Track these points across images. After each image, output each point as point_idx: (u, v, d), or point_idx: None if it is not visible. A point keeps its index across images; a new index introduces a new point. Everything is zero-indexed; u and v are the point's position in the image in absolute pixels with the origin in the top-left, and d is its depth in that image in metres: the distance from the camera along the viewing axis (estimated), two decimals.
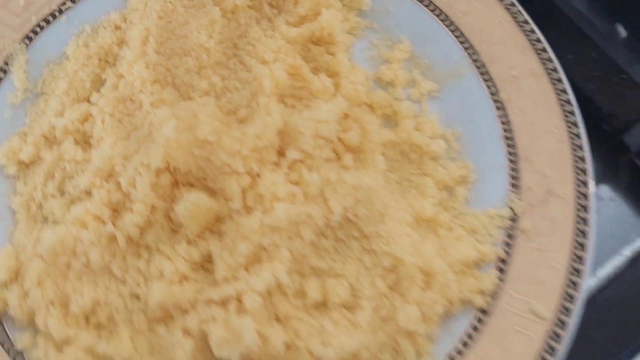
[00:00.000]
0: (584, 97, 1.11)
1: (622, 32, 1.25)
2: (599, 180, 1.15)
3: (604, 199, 1.13)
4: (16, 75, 0.99)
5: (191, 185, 0.88)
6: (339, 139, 0.90)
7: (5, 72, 0.99)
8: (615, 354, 0.97)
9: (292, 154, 0.86)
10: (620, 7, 1.26)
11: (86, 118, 0.96)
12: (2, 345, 0.83)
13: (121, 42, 1.02)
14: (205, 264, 0.88)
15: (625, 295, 1.01)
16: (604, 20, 1.26)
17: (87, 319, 0.84)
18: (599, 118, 1.12)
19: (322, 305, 0.85)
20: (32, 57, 1.01)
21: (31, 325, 0.84)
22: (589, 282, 1.05)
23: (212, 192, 0.87)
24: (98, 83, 1.00)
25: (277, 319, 0.83)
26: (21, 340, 0.83)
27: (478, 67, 0.96)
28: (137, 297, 0.85)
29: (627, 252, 1.08)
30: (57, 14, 1.03)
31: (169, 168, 0.86)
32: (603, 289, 1.02)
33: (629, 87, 1.14)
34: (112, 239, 0.85)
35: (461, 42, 0.98)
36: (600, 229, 1.10)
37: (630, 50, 1.24)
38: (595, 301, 1.00)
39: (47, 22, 1.02)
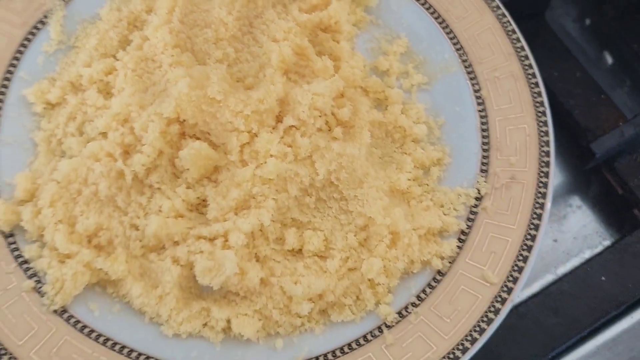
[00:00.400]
0: (564, 112, 1.23)
1: (609, 59, 1.36)
2: (570, 190, 1.25)
3: (573, 207, 1.23)
4: (53, 27, 1.10)
5: (196, 137, 0.98)
6: (332, 114, 1.00)
7: (43, 23, 1.11)
8: (565, 339, 1.06)
9: (289, 120, 0.97)
10: (610, 37, 1.37)
11: (110, 71, 1.06)
12: (12, 253, 0.93)
13: (149, 10, 1.13)
14: (200, 208, 0.98)
15: (578, 290, 1.10)
16: (593, 46, 1.37)
17: (89, 240, 0.94)
18: (574, 132, 1.23)
19: (298, 252, 0.95)
20: (69, 14, 1.12)
21: (39, 239, 0.95)
22: (548, 277, 1.16)
23: (214, 145, 0.98)
24: (125, 43, 1.10)
25: (257, 259, 0.94)
26: (29, 250, 0.94)
27: (465, 67, 1.07)
28: (136, 227, 0.96)
29: (586, 255, 1.18)
30: None
31: (178, 119, 0.96)
32: (557, 282, 1.11)
33: (606, 106, 1.25)
34: (120, 174, 0.96)
35: (453, 43, 1.09)
36: (567, 233, 1.20)
37: (614, 76, 1.35)
38: (549, 292, 1.10)
39: None
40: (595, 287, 1.08)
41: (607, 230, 1.19)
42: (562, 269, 1.17)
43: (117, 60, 1.07)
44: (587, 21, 1.41)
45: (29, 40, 1.09)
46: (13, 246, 0.94)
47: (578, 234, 1.21)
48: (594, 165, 1.22)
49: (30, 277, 0.92)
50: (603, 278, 1.09)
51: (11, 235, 0.95)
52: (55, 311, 0.90)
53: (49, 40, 1.10)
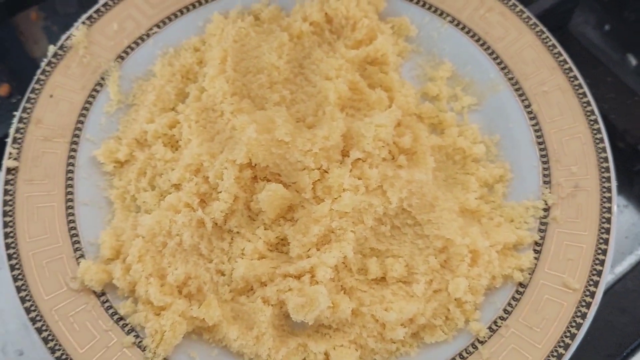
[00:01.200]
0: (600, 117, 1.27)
1: (633, 60, 1.40)
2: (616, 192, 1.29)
3: (620, 206, 1.27)
4: (111, 88, 1.14)
5: (267, 179, 1.02)
6: (394, 143, 1.04)
7: (101, 85, 1.15)
8: (636, 336, 1.09)
9: (355, 154, 1.00)
10: (630, 40, 1.42)
11: (173, 124, 1.10)
12: (107, 312, 0.96)
13: (200, 62, 1.18)
14: (280, 246, 1.02)
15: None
16: (616, 50, 1.42)
17: (180, 290, 0.97)
18: (613, 135, 1.27)
19: (381, 280, 0.99)
20: (124, 74, 1.16)
21: (131, 294, 0.98)
22: (608, 277, 1.19)
23: (285, 185, 1.02)
24: (181, 96, 1.15)
25: (344, 291, 0.97)
26: (124, 307, 0.97)
27: (512, 84, 1.11)
28: (222, 272, 0.99)
29: None
30: (145, 37, 1.19)
31: (250, 164, 1.00)
32: (620, 281, 1.14)
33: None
34: (201, 223, 0.99)
35: (497, 63, 1.13)
36: (617, 232, 1.24)
37: None
38: (614, 291, 1.13)
39: (137, 44, 1.18)
40: None
41: None
42: (620, 268, 1.20)
43: (178, 113, 1.11)
44: (607, 27, 1.45)
45: (90, 103, 1.13)
46: (107, 304, 0.97)
47: (629, 233, 1.24)
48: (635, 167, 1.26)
49: (128, 332, 0.95)
50: None
51: (103, 294, 0.98)
52: None
53: (108, 100, 1.14)
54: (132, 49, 1.18)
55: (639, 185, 1.28)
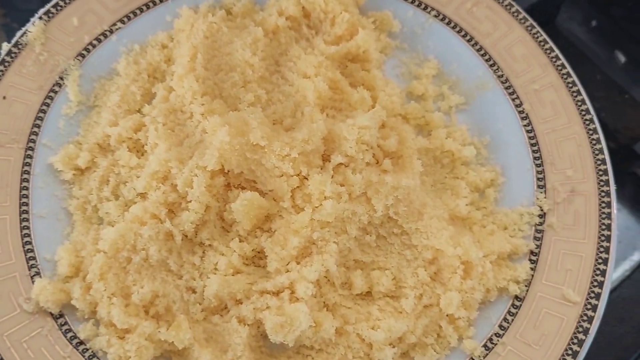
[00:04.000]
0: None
1: (622, 57, 1.35)
2: None
3: None
4: (70, 88, 1.05)
5: (242, 187, 0.94)
6: (378, 146, 0.97)
7: (60, 85, 1.06)
8: (636, 347, 1.04)
9: (337, 159, 0.93)
10: (618, 36, 1.37)
11: (139, 127, 1.02)
12: (65, 336, 0.87)
13: (168, 60, 1.09)
14: (256, 260, 0.94)
15: (636, 294, 1.08)
16: (604, 47, 1.37)
17: (146, 310, 0.89)
18: (605, 135, 1.21)
19: (367, 295, 0.92)
20: (85, 73, 1.08)
21: (92, 316, 0.89)
22: None
23: (261, 193, 0.94)
24: (148, 97, 1.06)
25: (327, 308, 0.89)
26: (84, 330, 0.88)
27: (502, 82, 1.05)
28: (193, 290, 0.91)
29: (635, 257, 1.16)
30: (108, 33, 1.10)
31: (222, 170, 0.92)
32: (616, 289, 1.09)
33: (630, 106, 1.24)
34: (169, 235, 0.91)
35: (485, 60, 1.07)
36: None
37: (629, 74, 1.34)
38: (609, 300, 1.08)
39: (99, 40, 1.09)
40: None
41: None
42: (615, 275, 1.14)
43: (144, 115, 1.03)
44: (594, 23, 1.40)
45: (47, 105, 1.04)
46: (65, 328, 0.89)
47: (623, 237, 1.19)
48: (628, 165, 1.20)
49: (89, 359, 0.87)
50: None
51: (61, 316, 0.89)
52: None
53: (67, 102, 1.05)
54: (94, 46, 1.09)
55: (632, 188, 1.22)
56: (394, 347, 0.86)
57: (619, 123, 1.22)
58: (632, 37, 1.35)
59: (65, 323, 0.89)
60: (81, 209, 0.98)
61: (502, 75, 1.05)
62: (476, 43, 1.08)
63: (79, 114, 1.06)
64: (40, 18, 1.08)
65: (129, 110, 1.05)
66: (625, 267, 1.15)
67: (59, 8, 1.09)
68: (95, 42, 1.09)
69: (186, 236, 0.92)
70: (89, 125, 1.05)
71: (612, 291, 1.09)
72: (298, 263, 0.89)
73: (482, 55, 1.07)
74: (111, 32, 1.10)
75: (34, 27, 1.06)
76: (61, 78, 1.06)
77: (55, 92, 1.05)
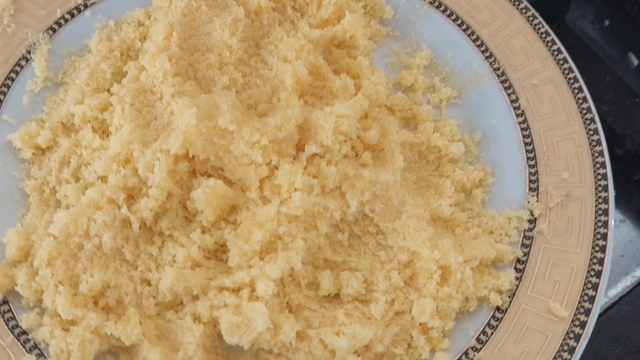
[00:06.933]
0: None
1: (635, 60, 1.27)
2: None
3: (616, 221, 1.13)
4: (38, 63, 1.00)
5: (208, 174, 0.87)
6: (358, 137, 0.90)
7: (27, 60, 1.00)
8: None
9: (311, 148, 0.86)
10: (632, 38, 1.28)
11: (106, 107, 0.96)
12: (7, 324, 0.81)
13: (144, 38, 1.03)
14: (219, 254, 0.87)
15: (636, 312, 1.00)
16: (615, 48, 1.28)
17: (95, 301, 0.83)
18: (611, 140, 1.13)
19: (335, 298, 0.84)
20: (55, 48, 1.02)
21: (38, 304, 0.83)
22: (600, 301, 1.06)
23: (229, 182, 0.87)
24: (119, 75, 1.00)
25: (289, 309, 0.82)
26: (27, 319, 0.82)
27: (498, 75, 0.98)
28: (148, 282, 0.84)
29: (638, 273, 1.07)
30: (81, 7, 1.04)
31: (187, 155, 0.85)
32: (614, 306, 1.01)
33: None
34: (126, 223, 0.84)
35: (482, 51, 1.00)
36: (613, 251, 1.10)
37: None
38: (606, 318, 1.00)
39: (72, 15, 1.04)
40: None
41: None
42: (614, 291, 1.07)
43: (112, 94, 0.96)
44: (606, 22, 1.32)
45: (11, 79, 0.99)
46: (8, 315, 0.83)
47: (626, 251, 1.11)
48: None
49: (30, 350, 0.81)
50: None
51: (5, 302, 0.83)
52: None
53: (33, 78, 1.00)
54: (66, 20, 1.04)
55: (638, 198, 1.14)
56: (358, 356, 0.78)
57: (628, 128, 1.14)
58: None
59: (9, 310, 0.83)
60: (38, 190, 0.92)
61: (498, 68, 0.98)
62: (473, 33, 1.01)
63: (45, 91, 1.00)
64: None
65: (98, 89, 0.99)
66: (627, 282, 1.07)
67: None
68: (67, 16, 1.04)
69: (145, 224, 0.86)
70: (55, 103, 0.99)
71: (609, 308, 1.02)
72: (261, 259, 0.82)
73: (479, 46, 1.00)
74: (85, 6, 1.05)
75: None
76: (29, 52, 1.01)
77: (22, 67, 1.00)
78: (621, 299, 1.03)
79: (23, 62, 1.00)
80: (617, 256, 1.10)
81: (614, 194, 0.87)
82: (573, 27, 1.29)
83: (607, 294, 1.05)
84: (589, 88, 0.98)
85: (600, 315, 0.99)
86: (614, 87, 1.19)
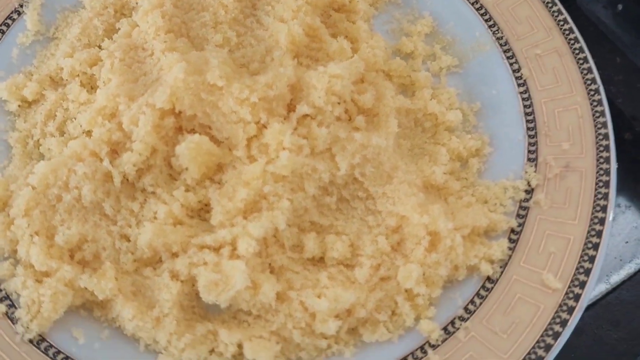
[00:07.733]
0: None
1: None
2: (616, 188, 1.12)
3: (621, 207, 1.09)
4: (30, 16, 0.98)
5: (195, 131, 0.85)
6: (353, 101, 0.87)
7: (19, 13, 0.98)
8: (630, 356, 0.92)
9: (303, 109, 0.83)
10: None
11: (95, 62, 0.94)
12: None
13: None
14: (202, 213, 0.84)
15: (637, 297, 0.96)
16: (628, 32, 1.24)
17: (71, 254, 0.80)
18: (620, 123, 1.09)
19: (319, 261, 0.81)
20: (48, 2, 1.00)
21: (13, 255, 0.81)
22: (600, 287, 1.02)
23: (216, 140, 0.84)
24: (111, 32, 0.98)
25: (272, 270, 0.79)
26: (0, 269, 0.79)
27: (501, 44, 0.94)
28: (127, 238, 0.82)
29: None
30: None
31: (174, 110, 0.83)
32: (614, 291, 0.97)
33: None
34: (108, 176, 0.82)
35: (485, 20, 0.96)
36: (617, 236, 1.06)
37: None
38: (607, 302, 0.96)
39: None
40: None
41: None
42: (617, 277, 1.03)
43: (103, 49, 0.94)
44: (619, 7, 1.28)
45: (2, 31, 0.98)
46: None
47: (630, 237, 1.06)
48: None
49: (1, 300, 0.78)
50: None
51: None
52: (30, 340, 0.76)
53: (24, 31, 0.98)
54: None
55: None
56: (340, 320, 0.75)
57: (637, 111, 1.10)
58: None
59: None
60: (22, 142, 0.91)
61: (501, 37, 0.94)
62: (477, 1, 0.98)
63: (36, 45, 0.98)
64: None
65: (89, 45, 0.97)
66: (630, 268, 1.03)
67: None
68: None
69: (127, 180, 0.83)
70: (45, 57, 0.98)
71: (610, 292, 0.98)
72: (245, 218, 0.79)
73: (482, 15, 0.97)
74: None
75: None
76: (21, 5, 0.99)
77: (13, 20, 0.99)
78: (622, 283, 0.99)
79: (15, 15, 0.98)
80: (622, 242, 1.06)
81: (616, 166, 0.83)
82: (585, 10, 1.25)
83: (609, 281, 1.02)
84: (598, 69, 0.94)
85: (600, 299, 0.96)
86: (625, 69, 1.15)
